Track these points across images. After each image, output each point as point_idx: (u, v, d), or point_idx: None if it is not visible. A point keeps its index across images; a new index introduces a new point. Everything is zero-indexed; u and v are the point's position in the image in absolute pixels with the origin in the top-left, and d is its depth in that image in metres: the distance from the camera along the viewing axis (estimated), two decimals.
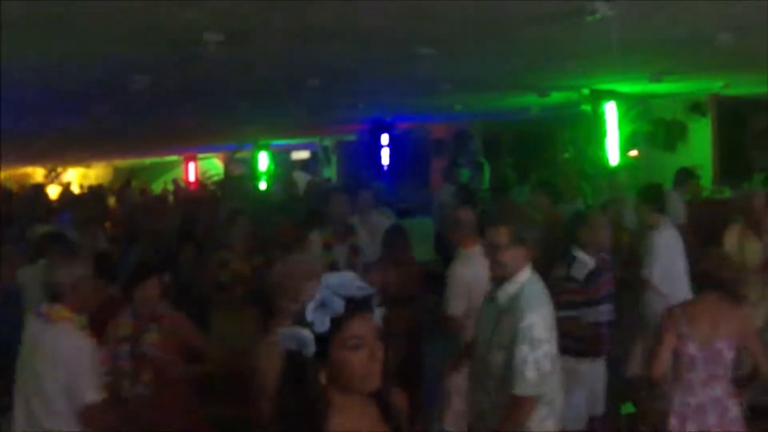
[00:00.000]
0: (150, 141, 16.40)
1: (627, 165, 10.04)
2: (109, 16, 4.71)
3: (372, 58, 6.82)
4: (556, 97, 10.41)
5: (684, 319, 4.27)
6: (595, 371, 5.29)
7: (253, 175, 17.39)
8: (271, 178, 17.00)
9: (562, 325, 4.06)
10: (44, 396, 3.88)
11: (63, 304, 3.95)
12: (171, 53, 5.87)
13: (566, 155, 13.64)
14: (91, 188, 19.00)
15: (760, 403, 5.20)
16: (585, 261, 5.26)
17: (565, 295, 5.01)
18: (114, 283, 5.23)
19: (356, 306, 2.07)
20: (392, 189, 12.71)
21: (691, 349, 4.21)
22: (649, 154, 11.41)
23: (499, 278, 3.86)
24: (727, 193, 10.30)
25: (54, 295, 3.98)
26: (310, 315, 2.05)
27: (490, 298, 3.92)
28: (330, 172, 18.55)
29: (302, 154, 21.37)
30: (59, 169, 23.01)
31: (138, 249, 7.70)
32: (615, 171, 9.04)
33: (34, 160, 20.81)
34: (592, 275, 5.24)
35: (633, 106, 10.62)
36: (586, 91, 10.09)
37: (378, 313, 2.14)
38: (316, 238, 6.65)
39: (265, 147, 17.69)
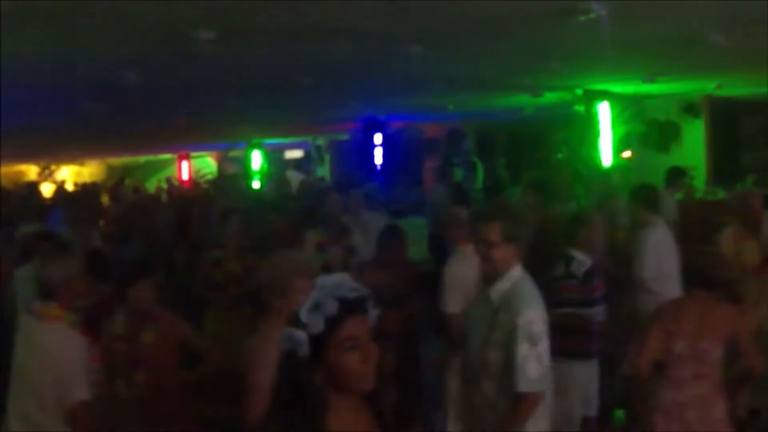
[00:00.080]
0: (143, 138, 16.35)
1: (620, 166, 10.06)
2: (102, 13, 4.70)
3: (365, 57, 6.81)
4: (550, 97, 10.43)
5: (672, 317, 4.29)
6: (588, 372, 5.30)
7: (247, 174, 17.36)
8: (265, 176, 16.97)
9: (564, 321, 4.05)
10: (37, 394, 3.86)
11: (55, 302, 3.94)
12: (164, 51, 5.86)
13: (560, 155, 13.64)
14: (84, 186, 18.95)
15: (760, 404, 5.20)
16: (582, 260, 5.29)
17: (564, 293, 5.05)
18: (107, 282, 5.21)
19: (350, 307, 2.07)
20: (385, 188, 12.69)
21: (679, 346, 4.22)
22: (642, 154, 11.42)
23: (489, 276, 3.86)
24: (721, 194, 10.32)
25: (46, 293, 3.97)
26: (304, 316, 2.06)
27: (483, 296, 3.91)
28: (323, 171, 18.52)
29: (295, 153, 21.35)
30: (53, 167, 22.92)
31: (132, 247, 7.69)
32: (608, 171, 9.04)
33: (27, 157, 20.73)
34: (589, 274, 5.27)
35: (626, 107, 10.65)
36: (579, 92, 10.11)
37: (372, 314, 2.14)
38: (309, 238, 6.63)
39: (259, 146, 17.67)
